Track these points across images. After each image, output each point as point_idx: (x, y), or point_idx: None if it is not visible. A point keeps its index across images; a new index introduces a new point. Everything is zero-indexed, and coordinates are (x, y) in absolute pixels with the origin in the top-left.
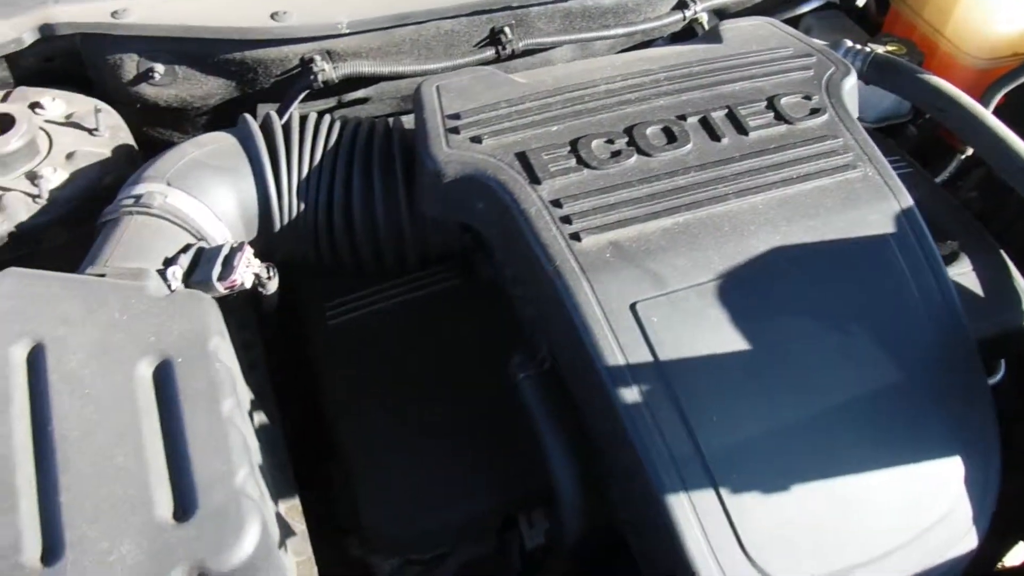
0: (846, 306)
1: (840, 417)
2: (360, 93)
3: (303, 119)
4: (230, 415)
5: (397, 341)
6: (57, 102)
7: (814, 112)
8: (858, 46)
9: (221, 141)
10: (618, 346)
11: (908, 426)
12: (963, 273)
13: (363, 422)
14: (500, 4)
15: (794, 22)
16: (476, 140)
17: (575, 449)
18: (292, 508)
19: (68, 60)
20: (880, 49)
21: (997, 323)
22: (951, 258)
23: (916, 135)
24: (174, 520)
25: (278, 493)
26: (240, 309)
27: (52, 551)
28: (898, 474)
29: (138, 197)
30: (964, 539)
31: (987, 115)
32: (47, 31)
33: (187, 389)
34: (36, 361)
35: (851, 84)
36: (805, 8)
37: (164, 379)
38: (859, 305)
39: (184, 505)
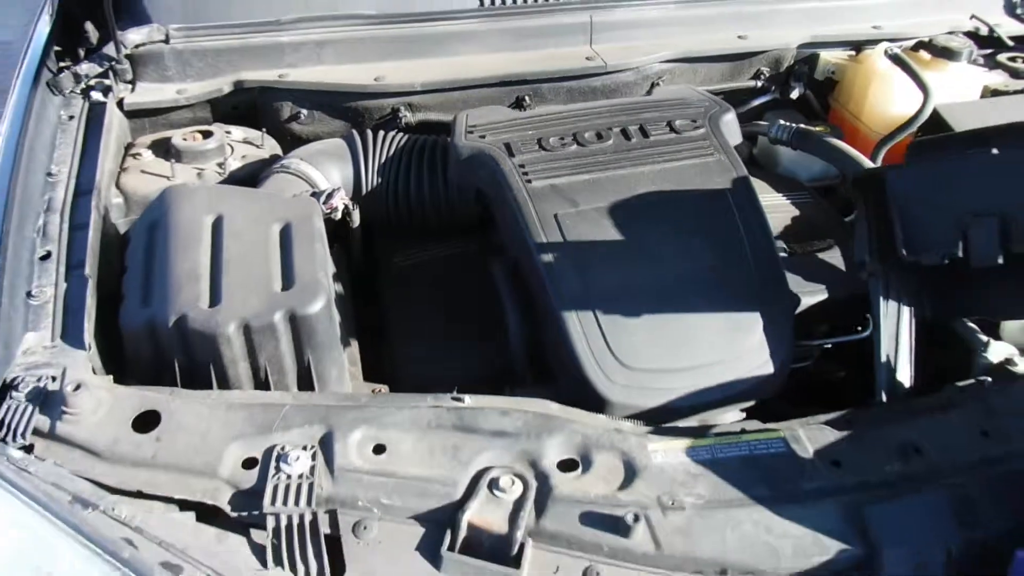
0: (692, 224)
1: (682, 280)
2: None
3: (385, 134)
4: (321, 253)
5: (438, 278)
6: (238, 130)
7: (695, 128)
8: (790, 124)
9: (337, 142)
10: (545, 237)
11: (728, 294)
12: (833, 256)
13: (407, 314)
14: (523, 79)
15: (757, 115)
16: (482, 136)
17: (522, 306)
18: (348, 318)
19: (247, 107)
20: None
21: (850, 288)
22: (827, 247)
23: (843, 191)
24: (281, 290)
25: (341, 307)
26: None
27: (214, 302)
28: (721, 318)
29: (283, 164)
30: (764, 367)
31: (867, 161)
32: (239, 85)
33: (297, 236)
34: (217, 224)
35: (728, 118)
36: (757, 102)
37: (284, 232)
38: (700, 225)
39: (286, 283)
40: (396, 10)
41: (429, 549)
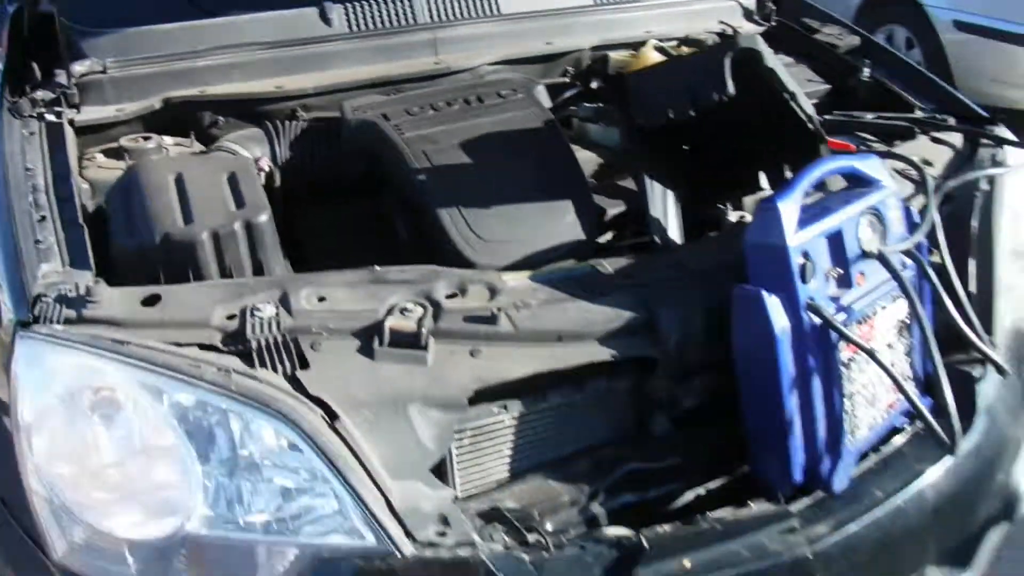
0: (519, 149)
1: (516, 184)
2: None
3: (290, 123)
4: (261, 190)
5: (342, 226)
6: (169, 139)
7: (516, 95)
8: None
9: (255, 130)
10: (418, 164)
11: (548, 191)
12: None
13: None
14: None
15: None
16: (364, 111)
17: (408, 220)
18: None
19: (174, 120)
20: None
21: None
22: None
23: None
24: (236, 209)
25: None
26: None
27: (188, 222)
28: (545, 206)
29: (217, 145)
30: (577, 236)
31: None
32: (167, 101)
33: (242, 179)
34: (179, 177)
35: (539, 88)
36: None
37: (231, 178)
38: (525, 150)
39: (239, 206)
40: (287, 37)
41: (365, 350)
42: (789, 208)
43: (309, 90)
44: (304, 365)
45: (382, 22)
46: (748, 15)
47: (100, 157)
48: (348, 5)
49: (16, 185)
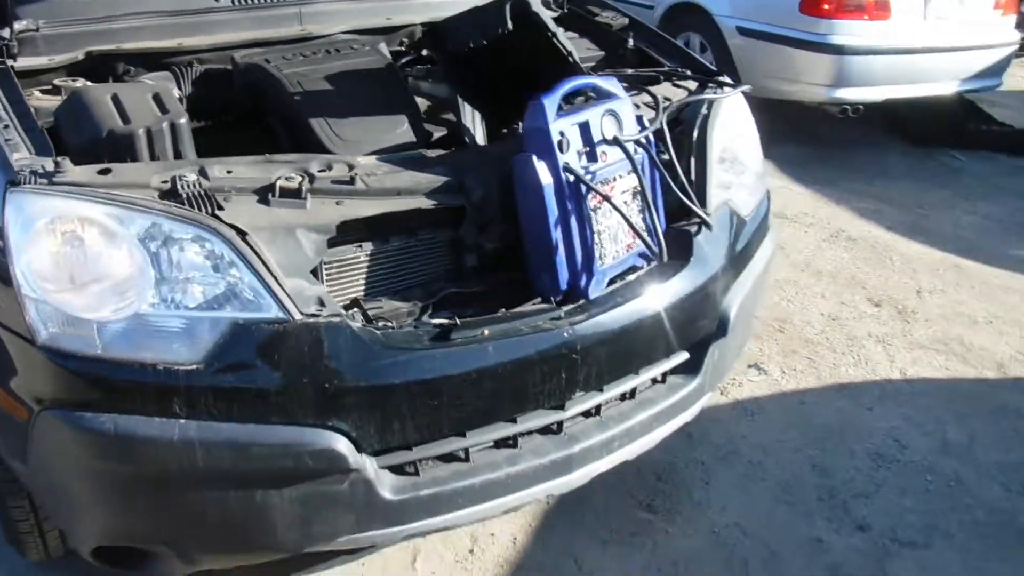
0: (366, 77)
1: (362, 100)
2: None
3: (191, 69)
4: (180, 105)
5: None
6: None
7: (366, 49)
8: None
9: (165, 72)
10: (293, 89)
11: (383, 105)
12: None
13: None
14: (267, 42)
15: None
16: (250, 59)
17: (289, 131)
18: None
19: (92, 68)
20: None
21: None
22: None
23: None
24: (161, 114)
25: None
26: None
27: (126, 123)
28: (387, 118)
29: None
30: (410, 139)
31: None
32: (88, 54)
33: (164, 96)
34: (115, 96)
35: (381, 46)
36: (404, 60)
37: (156, 96)
38: (371, 78)
39: (163, 113)
40: (183, 8)
41: (263, 201)
42: (550, 104)
43: (203, 47)
44: (220, 209)
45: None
46: (546, 3)
47: (37, 93)
48: None
49: None
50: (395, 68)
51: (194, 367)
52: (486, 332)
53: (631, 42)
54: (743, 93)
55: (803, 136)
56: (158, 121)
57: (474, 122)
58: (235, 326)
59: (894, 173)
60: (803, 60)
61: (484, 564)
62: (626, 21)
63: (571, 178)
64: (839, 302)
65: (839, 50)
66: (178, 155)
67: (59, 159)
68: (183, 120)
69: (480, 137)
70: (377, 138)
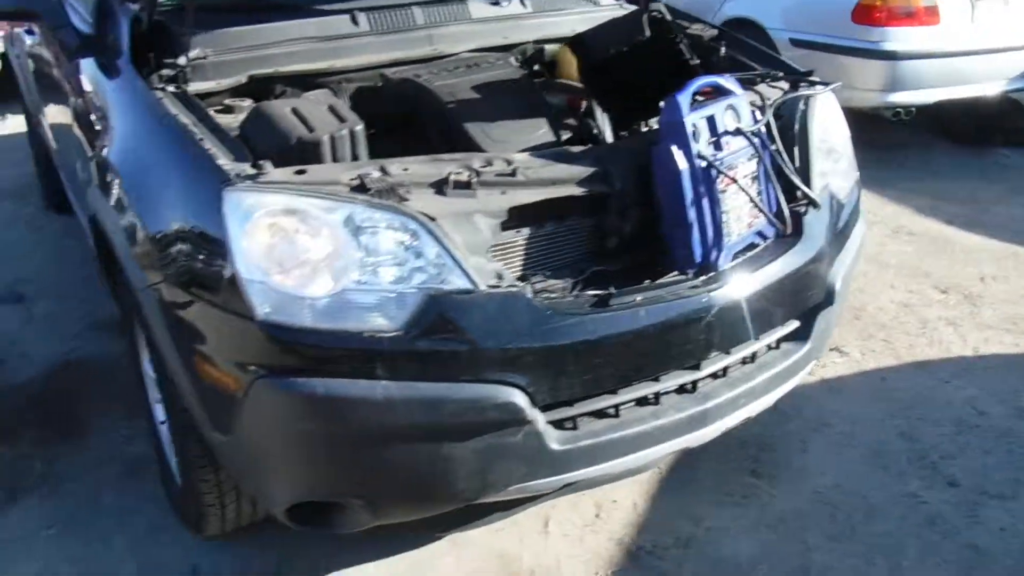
0: (506, 83)
1: (506, 106)
2: None
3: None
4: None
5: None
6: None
7: (498, 62)
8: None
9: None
10: (442, 96)
11: (524, 109)
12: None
13: None
14: (409, 61)
15: None
16: (400, 75)
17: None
18: None
19: (253, 90)
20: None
21: None
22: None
23: None
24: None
25: None
26: None
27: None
28: (524, 120)
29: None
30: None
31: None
32: (251, 78)
33: (338, 109)
34: (295, 109)
35: (511, 59)
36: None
37: (331, 107)
38: (510, 86)
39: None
40: (329, 34)
41: (439, 192)
42: (684, 100)
43: (351, 67)
44: (405, 199)
45: (392, 24)
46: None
47: (211, 112)
48: (369, 12)
49: (178, 124)
50: (529, 78)
51: (395, 334)
52: (639, 298)
53: (723, 50)
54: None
55: (858, 141)
56: (339, 128)
57: (603, 122)
58: (429, 297)
59: (946, 171)
60: (857, 67)
61: (611, 526)
62: (716, 32)
63: (703, 165)
64: (908, 291)
65: (892, 56)
66: (355, 157)
67: (260, 162)
68: (359, 127)
69: (608, 135)
70: (523, 137)
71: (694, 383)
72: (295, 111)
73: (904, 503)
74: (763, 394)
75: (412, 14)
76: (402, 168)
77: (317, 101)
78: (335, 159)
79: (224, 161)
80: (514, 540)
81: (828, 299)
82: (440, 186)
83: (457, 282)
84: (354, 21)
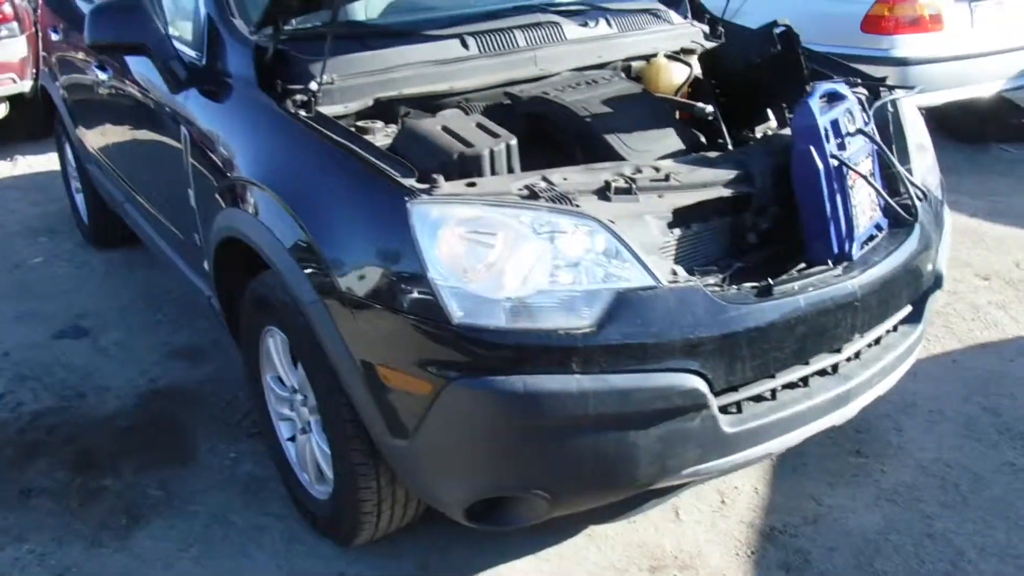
0: (629, 98)
1: (636, 117)
2: None
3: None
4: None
5: None
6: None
7: (613, 77)
8: None
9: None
10: (576, 110)
11: (653, 120)
12: None
13: None
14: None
15: None
16: (527, 93)
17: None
18: None
19: (378, 112)
20: None
21: None
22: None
23: None
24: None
25: None
26: None
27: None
28: (655, 130)
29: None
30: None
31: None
32: (376, 101)
33: (486, 124)
34: (445, 127)
35: (622, 75)
36: None
37: (479, 123)
38: (633, 99)
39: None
40: (443, 58)
41: (603, 198)
42: (815, 105)
43: (470, 88)
44: (576, 206)
45: (498, 47)
46: (707, 35)
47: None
48: (476, 36)
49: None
50: (649, 92)
51: (587, 330)
52: (795, 286)
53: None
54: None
55: None
56: (496, 143)
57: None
58: (617, 294)
59: (958, 168)
60: None
61: (737, 510)
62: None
63: (835, 164)
64: (953, 279)
65: (902, 62)
66: (510, 170)
67: (434, 176)
68: (514, 141)
69: (728, 141)
70: (658, 146)
71: (835, 365)
72: (446, 128)
73: (1005, 471)
74: (891, 373)
75: (515, 37)
76: (562, 177)
77: (465, 119)
78: (493, 172)
79: (399, 176)
80: (650, 531)
81: (937, 283)
82: (603, 192)
83: (641, 279)
84: (464, 45)
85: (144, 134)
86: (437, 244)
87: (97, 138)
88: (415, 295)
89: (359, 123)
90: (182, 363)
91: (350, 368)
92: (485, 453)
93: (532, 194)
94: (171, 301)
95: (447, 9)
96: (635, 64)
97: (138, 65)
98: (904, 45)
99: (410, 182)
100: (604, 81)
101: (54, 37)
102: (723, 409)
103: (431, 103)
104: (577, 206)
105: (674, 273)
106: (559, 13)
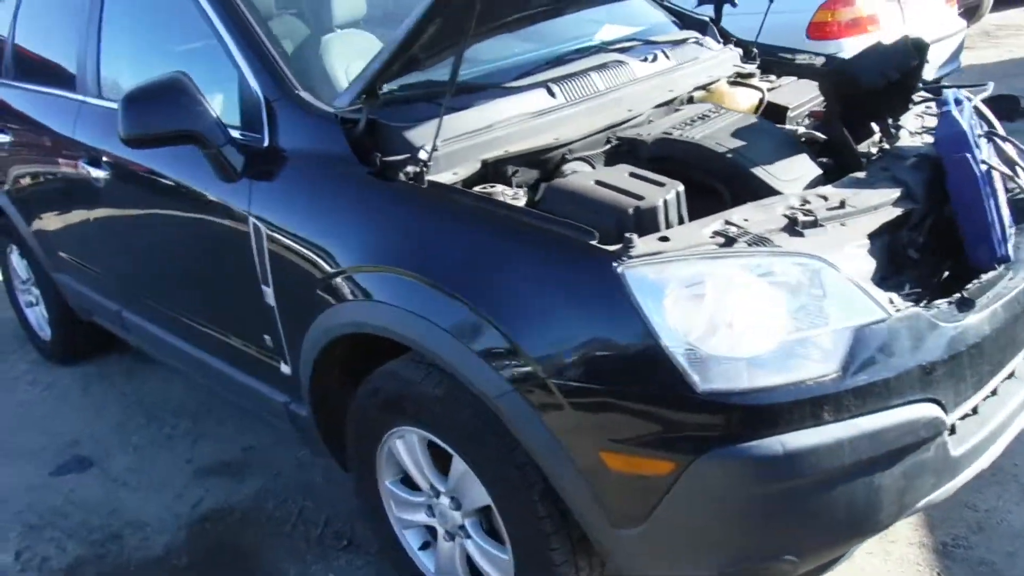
0: (752, 129)
1: (770, 146)
2: None
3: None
4: None
5: None
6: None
7: (719, 111)
8: None
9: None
10: (709, 147)
11: (786, 149)
12: None
13: None
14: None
15: None
16: (645, 135)
17: None
18: None
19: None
20: None
21: None
22: None
23: None
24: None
25: None
26: None
27: None
28: (791, 158)
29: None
30: None
31: None
32: (484, 163)
33: (642, 175)
34: (599, 181)
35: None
36: None
37: (632, 173)
38: (755, 129)
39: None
40: (534, 110)
41: (795, 234)
42: (959, 114)
43: (574, 138)
44: (776, 246)
45: (581, 92)
46: (744, 58)
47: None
48: (559, 84)
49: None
50: (766, 120)
51: (834, 375)
52: (989, 296)
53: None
54: None
55: None
56: (665, 191)
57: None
58: (856, 332)
59: None
60: None
61: (902, 533)
62: (822, 59)
63: (984, 168)
64: None
65: None
66: (681, 219)
67: (627, 236)
68: (681, 188)
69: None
70: (802, 173)
71: (1013, 370)
72: (602, 183)
73: None
74: None
75: (593, 80)
76: (742, 218)
77: (615, 170)
78: (667, 223)
79: (591, 241)
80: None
81: None
82: (791, 228)
83: (871, 312)
84: (551, 94)
85: (171, 233)
86: (664, 308)
87: (78, 244)
88: (646, 368)
89: (479, 189)
90: (220, 480)
91: (560, 460)
92: (736, 525)
93: (728, 240)
94: (174, 412)
95: (513, 58)
96: (696, 94)
97: (158, 157)
98: (849, 46)
99: (613, 246)
100: (715, 115)
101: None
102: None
103: (538, 158)
104: (779, 246)
105: (891, 301)
106: (617, 51)
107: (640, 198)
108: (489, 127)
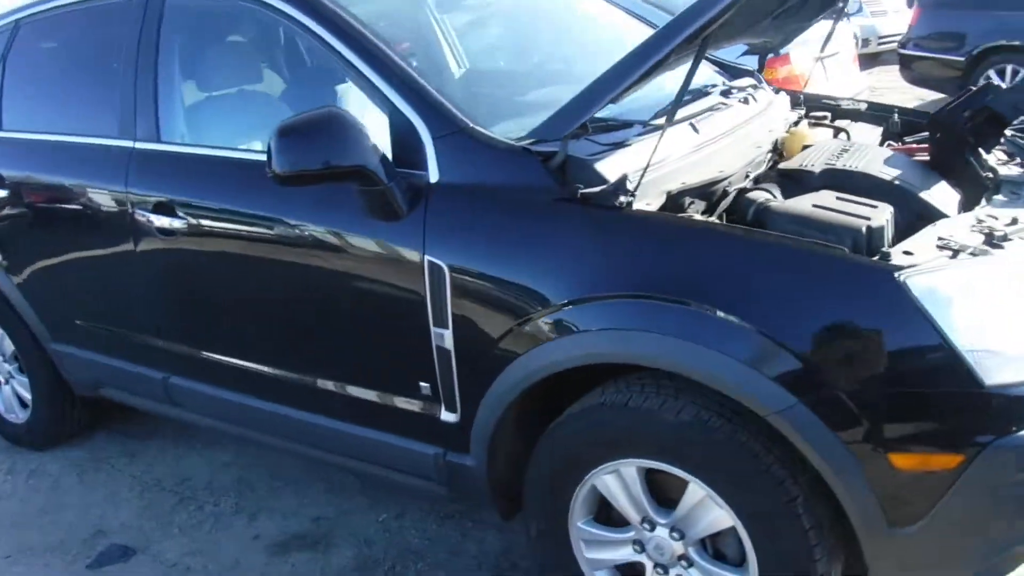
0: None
1: (911, 175)
2: None
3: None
4: None
5: None
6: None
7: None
8: None
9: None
10: (874, 176)
11: (922, 177)
12: None
13: None
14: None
15: None
16: (809, 166)
17: None
18: None
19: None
20: None
21: None
22: None
23: None
24: None
25: None
26: None
27: None
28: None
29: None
30: None
31: None
32: (668, 193)
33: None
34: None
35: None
36: None
37: (838, 197)
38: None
39: None
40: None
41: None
42: None
43: (733, 172)
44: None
45: (715, 130)
46: (791, 104)
47: None
48: (698, 121)
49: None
50: (899, 151)
51: None
52: None
53: (896, 116)
54: None
55: None
56: (884, 212)
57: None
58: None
59: None
60: None
61: None
62: (865, 104)
63: None
64: None
65: None
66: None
67: (905, 249)
68: (892, 209)
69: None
70: (951, 198)
71: None
72: (819, 206)
73: None
74: None
75: (719, 119)
76: (948, 234)
77: (820, 196)
78: (886, 240)
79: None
80: None
81: None
82: (989, 241)
83: None
84: (695, 130)
85: (283, 281)
86: (951, 312)
87: (110, 307)
88: (937, 369)
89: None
90: (304, 555)
91: (847, 467)
92: (1012, 510)
93: (953, 252)
94: (207, 490)
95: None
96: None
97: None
98: None
99: (885, 256)
100: (851, 147)
101: None
102: None
103: (706, 190)
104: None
105: None
106: (717, 95)
107: (867, 218)
108: (663, 161)
